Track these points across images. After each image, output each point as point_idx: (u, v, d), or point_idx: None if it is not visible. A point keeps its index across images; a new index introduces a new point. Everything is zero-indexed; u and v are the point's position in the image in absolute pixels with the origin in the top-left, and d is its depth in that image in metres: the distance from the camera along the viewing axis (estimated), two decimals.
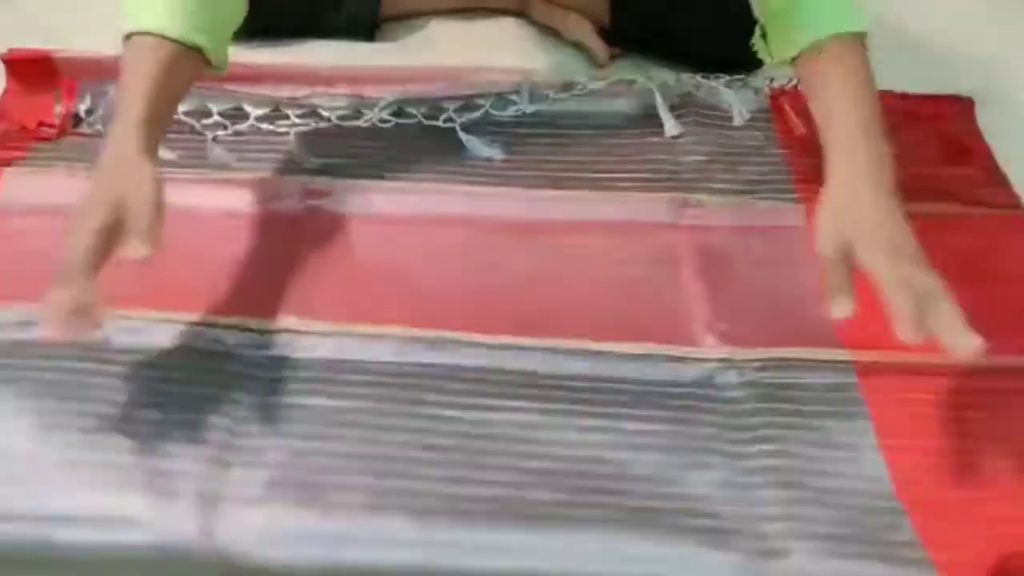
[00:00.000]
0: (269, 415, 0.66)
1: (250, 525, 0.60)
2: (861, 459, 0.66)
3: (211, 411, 0.66)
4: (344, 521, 0.60)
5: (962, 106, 0.96)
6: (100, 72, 0.90)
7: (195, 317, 0.72)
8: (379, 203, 0.83)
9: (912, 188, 0.85)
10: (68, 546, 0.59)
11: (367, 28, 1.04)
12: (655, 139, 0.91)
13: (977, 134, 0.94)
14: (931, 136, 0.93)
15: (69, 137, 0.87)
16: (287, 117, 0.89)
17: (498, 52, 1.03)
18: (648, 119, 0.93)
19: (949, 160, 0.91)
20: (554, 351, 0.71)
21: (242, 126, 0.88)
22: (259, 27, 0.99)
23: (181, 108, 0.88)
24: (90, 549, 0.59)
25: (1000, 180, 0.89)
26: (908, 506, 0.63)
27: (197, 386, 0.68)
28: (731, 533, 0.61)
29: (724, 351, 0.72)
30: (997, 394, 0.70)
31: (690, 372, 0.71)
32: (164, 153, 0.85)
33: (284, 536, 0.60)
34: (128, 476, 0.62)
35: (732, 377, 0.70)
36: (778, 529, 0.61)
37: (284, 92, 0.92)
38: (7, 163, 0.84)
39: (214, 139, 0.87)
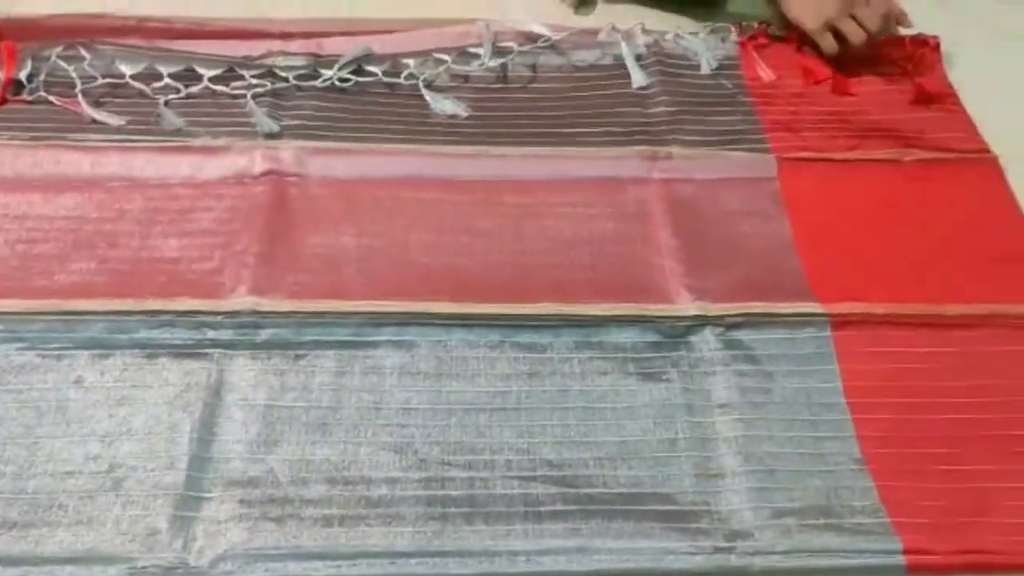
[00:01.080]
0: (233, 416, 0.57)
1: (226, 545, 0.52)
2: (828, 422, 0.60)
3: (172, 419, 0.57)
4: (319, 535, 0.53)
5: (928, 48, 0.87)
6: (41, 35, 0.79)
7: (143, 304, 0.62)
8: (341, 166, 0.73)
9: (880, 134, 0.80)
10: None
11: None
12: (623, 91, 0.82)
13: (942, 76, 0.86)
14: (898, 80, 0.84)
15: (10, 104, 0.76)
16: (242, 78, 0.78)
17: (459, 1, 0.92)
18: (615, 70, 0.83)
19: (916, 104, 0.83)
20: (524, 318, 0.63)
21: (195, 88, 0.77)
22: None
23: (128, 71, 0.78)
24: None
25: (966, 124, 0.81)
26: (873, 468, 0.57)
27: (151, 389, 0.58)
28: (697, 516, 0.55)
29: (697, 306, 0.64)
30: (967, 343, 0.64)
31: (663, 331, 0.63)
32: (111, 118, 0.75)
33: (260, 554, 0.52)
34: (97, 506, 0.53)
35: (707, 335, 0.63)
36: (743, 507, 0.55)
37: (239, 51, 0.81)
38: None
39: (165, 103, 0.76)
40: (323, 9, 0.88)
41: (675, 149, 0.76)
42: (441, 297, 0.64)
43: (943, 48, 0.87)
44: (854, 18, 0.82)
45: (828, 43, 0.83)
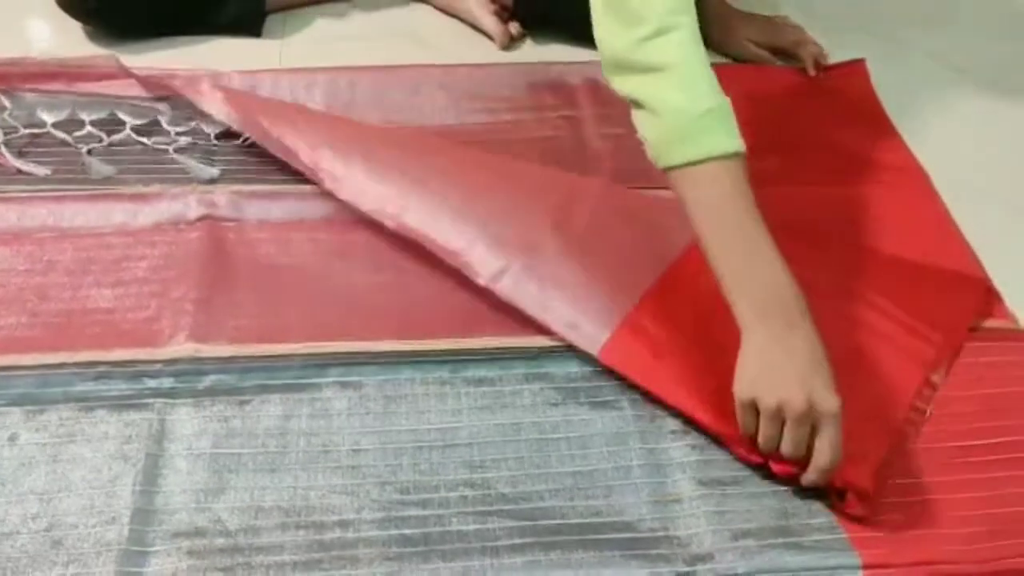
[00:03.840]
0: (177, 465, 0.58)
1: None
2: None
3: (112, 472, 0.57)
4: None
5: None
6: None
7: (77, 356, 0.63)
8: (278, 210, 0.76)
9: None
10: None
11: (254, 23, 0.96)
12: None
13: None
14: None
15: None
16: (167, 133, 0.80)
17: (397, 41, 0.97)
18: None
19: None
20: (472, 352, 0.66)
21: (118, 136, 0.79)
22: (140, 25, 0.92)
23: (50, 120, 0.80)
24: None
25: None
26: None
27: (90, 443, 0.59)
28: (657, 542, 0.57)
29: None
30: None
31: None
32: (37, 169, 0.76)
33: None
34: (38, 566, 0.53)
35: None
36: (702, 530, 0.57)
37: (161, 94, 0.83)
38: None
39: (89, 152, 0.78)
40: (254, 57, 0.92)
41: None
42: (386, 335, 0.66)
43: (873, 71, 0.94)
44: None
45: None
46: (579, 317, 0.66)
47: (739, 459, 0.60)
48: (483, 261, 0.69)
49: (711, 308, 0.62)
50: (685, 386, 0.62)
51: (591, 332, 0.66)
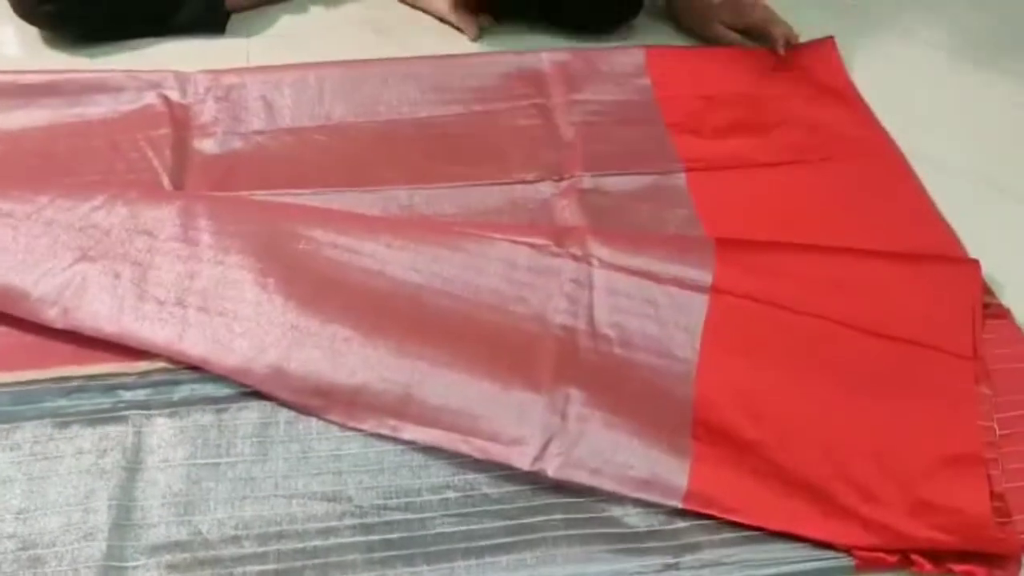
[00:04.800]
0: (154, 478, 0.58)
1: None
2: None
3: (89, 488, 0.57)
4: None
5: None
6: None
7: (50, 372, 0.62)
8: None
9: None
10: None
11: (216, 21, 0.95)
12: None
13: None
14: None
15: None
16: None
17: (365, 36, 0.96)
18: None
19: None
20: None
21: None
22: (99, 30, 0.91)
23: None
24: None
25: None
26: None
27: (65, 459, 0.59)
28: (645, 536, 0.58)
29: None
30: None
31: None
32: None
33: None
34: None
35: None
36: (690, 523, 0.58)
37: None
38: None
39: None
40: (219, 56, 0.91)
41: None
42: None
43: (845, 50, 0.94)
44: None
45: None
46: (647, 473, 0.60)
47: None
48: (507, 453, 0.60)
49: (759, 412, 0.62)
50: (787, 510, 0.58)
51: (665, 483, 0.60)
